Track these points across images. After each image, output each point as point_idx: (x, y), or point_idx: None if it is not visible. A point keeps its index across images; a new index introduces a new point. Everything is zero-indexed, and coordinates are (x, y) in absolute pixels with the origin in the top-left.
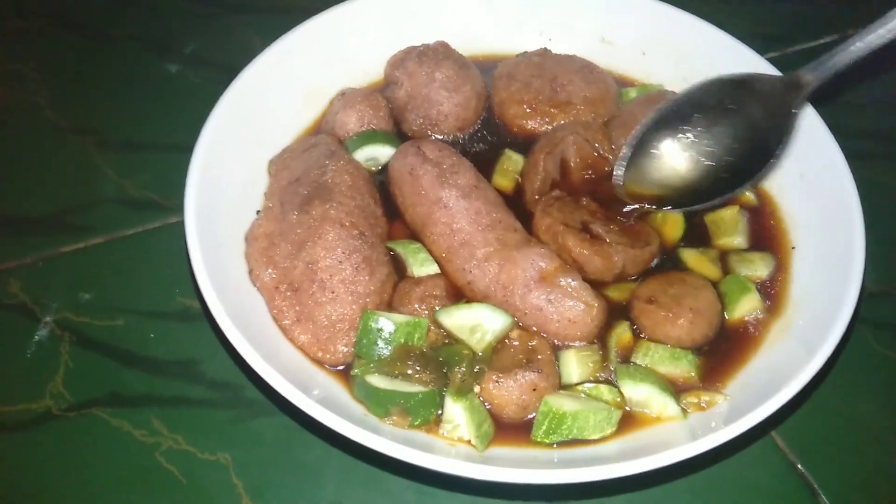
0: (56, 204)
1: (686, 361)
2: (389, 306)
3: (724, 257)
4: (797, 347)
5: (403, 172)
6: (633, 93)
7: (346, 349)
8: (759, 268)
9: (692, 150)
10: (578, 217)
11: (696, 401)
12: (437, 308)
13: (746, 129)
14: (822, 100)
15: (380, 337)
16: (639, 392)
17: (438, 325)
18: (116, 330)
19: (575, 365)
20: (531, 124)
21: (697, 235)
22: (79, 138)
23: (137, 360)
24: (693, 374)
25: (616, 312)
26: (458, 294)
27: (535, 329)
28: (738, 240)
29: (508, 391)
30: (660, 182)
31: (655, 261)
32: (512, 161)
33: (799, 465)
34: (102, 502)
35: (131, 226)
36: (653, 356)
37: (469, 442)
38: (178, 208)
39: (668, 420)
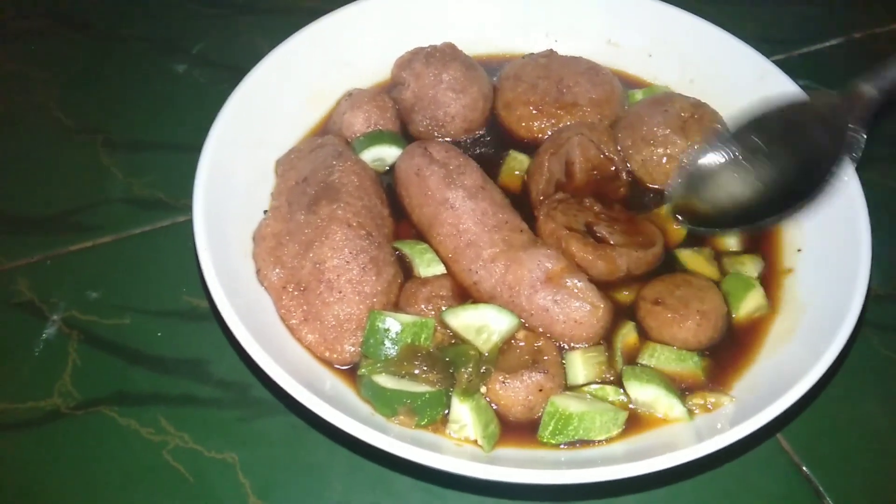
0: (63, 203)
1: (692, 363)
2: (396, 306)
3: (717, 258)
4: (803, 350)
5: (410, 173)
6: (639, 94)
7: (352, 349)
8: (749, 269)
9: (746, 173)
10: (582, 219)
11: (702, 402)
12: (443, 308)
13: (803, 152)
14: None
15: (386, 337)
16: (645, 393)
17: (445, 326)
18: (124, 329)
19: (581, 366)
20: (537, 125)
21: (693, 235)
22: (86, 138)
23: (145, 359)
24: (699, 376)
25: (622, 313)
26: (465, 294)
27: (541, 330)
28: (730, 241)
29: (515, 392)
30: (712, 203)
31: None
32: (518, 161)
33: (804, 468)
34: (109, 500)
35: (138, 225)
36: (659, 357)
37: (476, 442)
38: (185, 208)
39: (674, 421)
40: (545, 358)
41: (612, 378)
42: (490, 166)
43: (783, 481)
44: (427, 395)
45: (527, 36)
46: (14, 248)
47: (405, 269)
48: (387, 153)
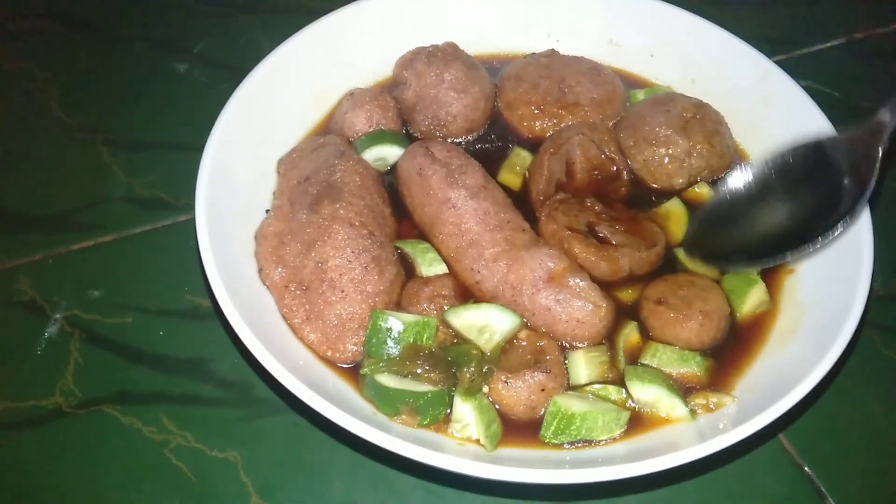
0: (65, 202)
1: (694, 363)
2: (398, 306)
3: None
4: (805, 350)
5: (412, 173)
6: (640, 94)
7: (355, 348)
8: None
9: (763, 213)
10: (584, 219)
11: (704, 402)
12: (445, 308)
13: (822, 191)
14: (831, 102)
15: (389, 336)
16: (647, 393)
17: (447, 325)
18: (126, 327)
19: (583, 365)
20: (539, 125)
21: None
22: (87, 137)
23: (147, 358)
24: (702, 376)
25: (624, 313)
26: (467, 294)
27: (543, 329)
28: None
29: (517, 391)
30: (729, 241)
31: None
32: (521, 158)
33: (806, 468)
34: (111, 499)
35: (140, 224)
36: (661, 357)
37: (478, 442)
38: (187, 207)
39: (676, 422)
40: (547, 357)
41: (614, 378)
42: (492, 166)
43: (785, 481)
44: (429, 395)
45: (528, 36)
46: (16, 246)
47: (407, 269)
48: (388, 153)
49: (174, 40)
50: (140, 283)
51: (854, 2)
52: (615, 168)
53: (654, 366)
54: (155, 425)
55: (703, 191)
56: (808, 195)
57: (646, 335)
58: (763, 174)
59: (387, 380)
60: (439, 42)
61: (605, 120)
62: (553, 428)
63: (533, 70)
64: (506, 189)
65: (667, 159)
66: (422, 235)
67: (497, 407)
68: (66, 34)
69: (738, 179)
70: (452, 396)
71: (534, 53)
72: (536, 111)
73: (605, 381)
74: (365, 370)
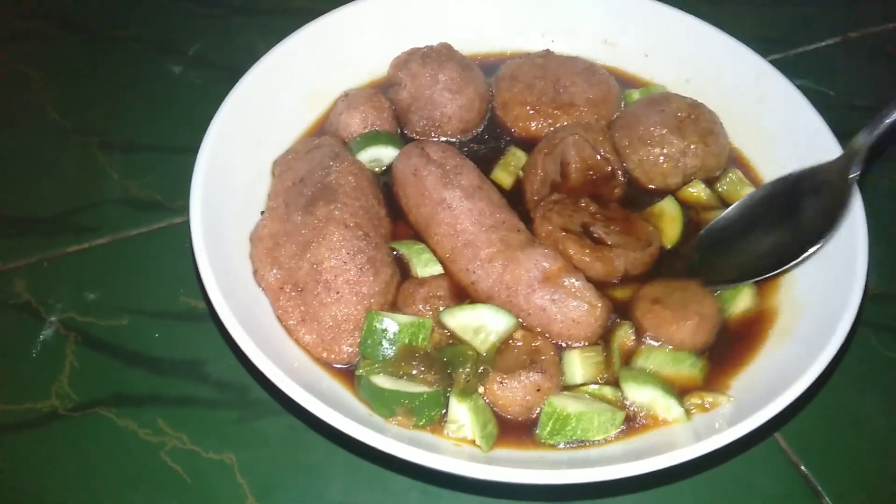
0: (60, 204)
1: (688, 364)
2: (394, 307)
3: None
4: (800, 349)
5: (407, 173)
6: (636, 94)
7: (350, 349)
8: None
9: (757, 236)
10: (578, 220)
11: (699, 402)
12: (441, 309)
13: (811, 212)
14: (826, 101)
15: (384, 337)
16: (643, 395)
17: (442, 326)
18: (121, 330)
19: (579, 365)
20: (534, 126)
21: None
22: (82, 139)
23: (142, 360)
24: (696, 378)
25: (619, 313)
26: (462, 295)
27: (538, 329)
28: None
29: (512, 392)
30: (726, 262)
31: None
32: (516, 158)
33: (802, 467)
34: (107, 501)
35: (135, 226)
36: (654, 359)
37: (474, 442)
38: (182, 209)
39: (672, 422)
40: (543, 358)
41: (609, 379)
42: (487, 166)
43: (781, 480)
44: (425, 396)
45: (523, 36)
46: (11, 249)
47: (403, 270)
48: (383, 153)
49: (170, 42)
50: (136, 285)
51: (849, 1)
52: (610, 168)
53: (647, 368)
54: (151, 427)
55: (697, 190)
56: (793, 220)
57: (640, 336)
58: (751, 205)
59: (382, 381)
60: (434, 42)
61: (600, 120)
62: (549, 428)
63: (528, 70)
64: (501, 189)
65: (662, 159)
66: (417, 236)
67: (493, 407)
68: (62, 36)
69: (730, 212)
70: (448, 397)
71: (529, 53)
72: (531, 111)
73: (600, 382)
74: (360, 371)
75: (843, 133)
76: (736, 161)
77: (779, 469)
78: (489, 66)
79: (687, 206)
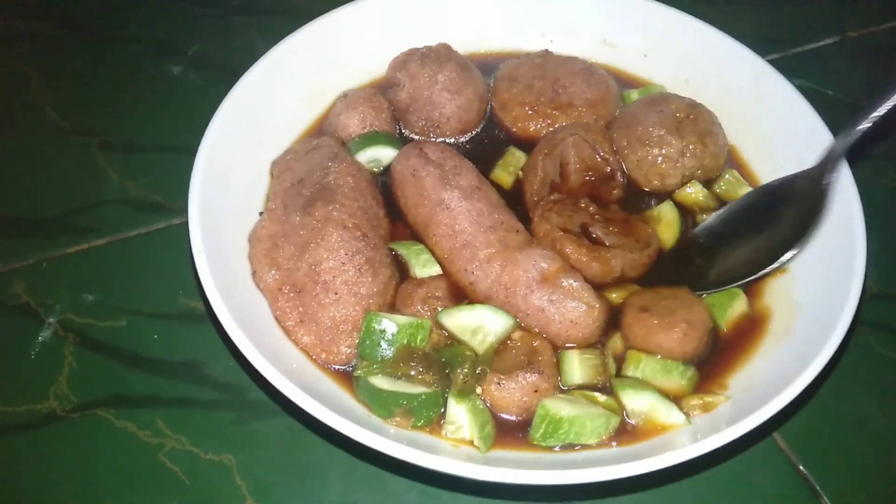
0: (59, 205)
1: (678, 373)
2: (392, 307)
3: None
4: (799, 349)
5: (406, 174)
6: (634, 94)
7: (349, 350)
8: None
9: (744, 242)
10: (577, 220)
11: (699, 402)
12: (439, 309)
13: (790, 217)
14: (825, 101)
15: (383, 338)
16: (642, 402)
17: (441, 327)
18: (120, 331)
19: (577, 366)
20: (533, 126)
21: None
22: (82, 140)
23: (141, 361)
24: (685, 387)
25: (617, 316)
26: (461, 295)
27: (537, 330)
28: None
29: (510, 392)
30: (716, 268)
31: None
32: (515, 159)
33: (801, 467)
34: (106, 502)
35: (134, 227)
36: (644, 368)
37: (472, 443)
38: (181, 210)
39: (672, 428)
40: (540, 358)
41: (605, 383)
42: (486, 167)
43: (780, 480)
44: (423, 397)
45: (522, 36)
46: (10, 250)
47: (401, 270)
48: (382, 154)
49: (169, 42)
50: (134, 286)
51: (847, 0)
52: (609, 169)
53: (638, 377)
54: (149, 429)
55: (695, 191)
56: (770, 229)
57: (629, 344)
58: (734, 213)
59: (380, 382)
60: (433, 42)
61: (598, 120)
62: (541, 431)
63: (527, 71)
64: (500, 190)
65: (660, 159)
66: (416, 237)
67: (491, 408)
68: (62, 36)
69: (714, 220)
70: (446, 398)
71: (528, 54)
72: (530, 112)
73: (597, 385)
74: (359, 372)
75: (841, 131)
76: (734, 161)
77: (778, 469)
78: (488, 67)
79: (685, 212)
